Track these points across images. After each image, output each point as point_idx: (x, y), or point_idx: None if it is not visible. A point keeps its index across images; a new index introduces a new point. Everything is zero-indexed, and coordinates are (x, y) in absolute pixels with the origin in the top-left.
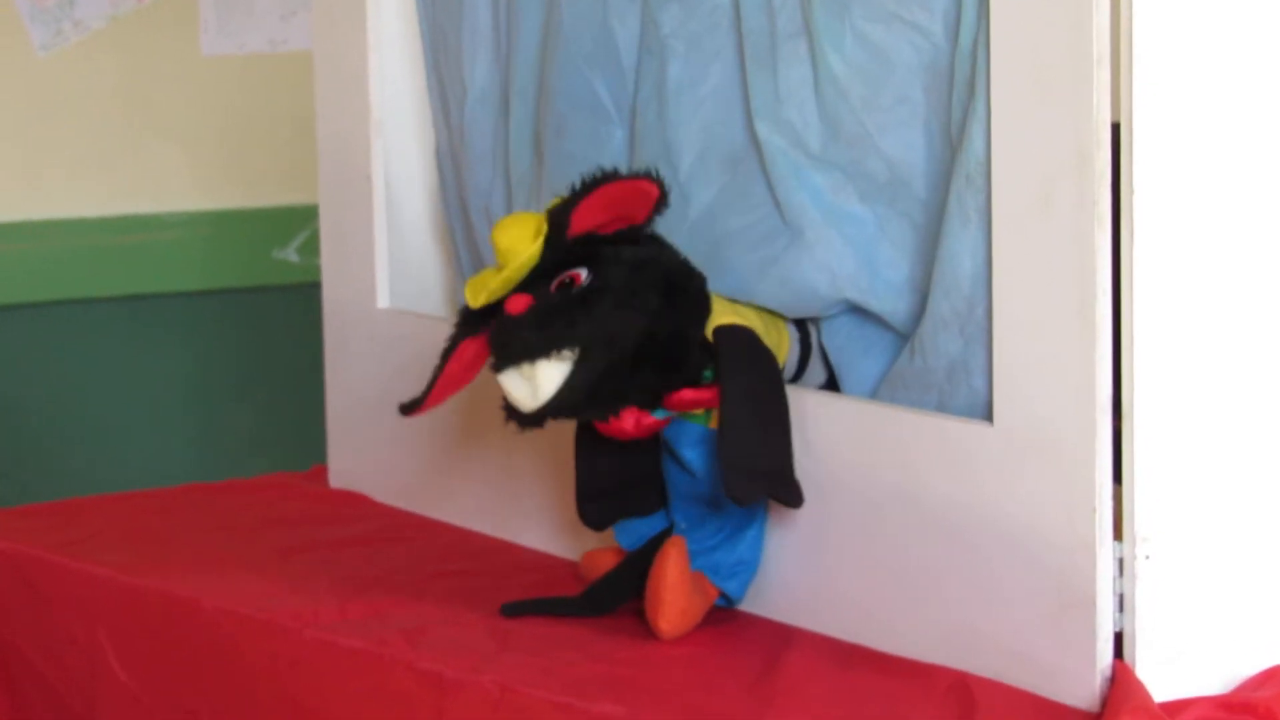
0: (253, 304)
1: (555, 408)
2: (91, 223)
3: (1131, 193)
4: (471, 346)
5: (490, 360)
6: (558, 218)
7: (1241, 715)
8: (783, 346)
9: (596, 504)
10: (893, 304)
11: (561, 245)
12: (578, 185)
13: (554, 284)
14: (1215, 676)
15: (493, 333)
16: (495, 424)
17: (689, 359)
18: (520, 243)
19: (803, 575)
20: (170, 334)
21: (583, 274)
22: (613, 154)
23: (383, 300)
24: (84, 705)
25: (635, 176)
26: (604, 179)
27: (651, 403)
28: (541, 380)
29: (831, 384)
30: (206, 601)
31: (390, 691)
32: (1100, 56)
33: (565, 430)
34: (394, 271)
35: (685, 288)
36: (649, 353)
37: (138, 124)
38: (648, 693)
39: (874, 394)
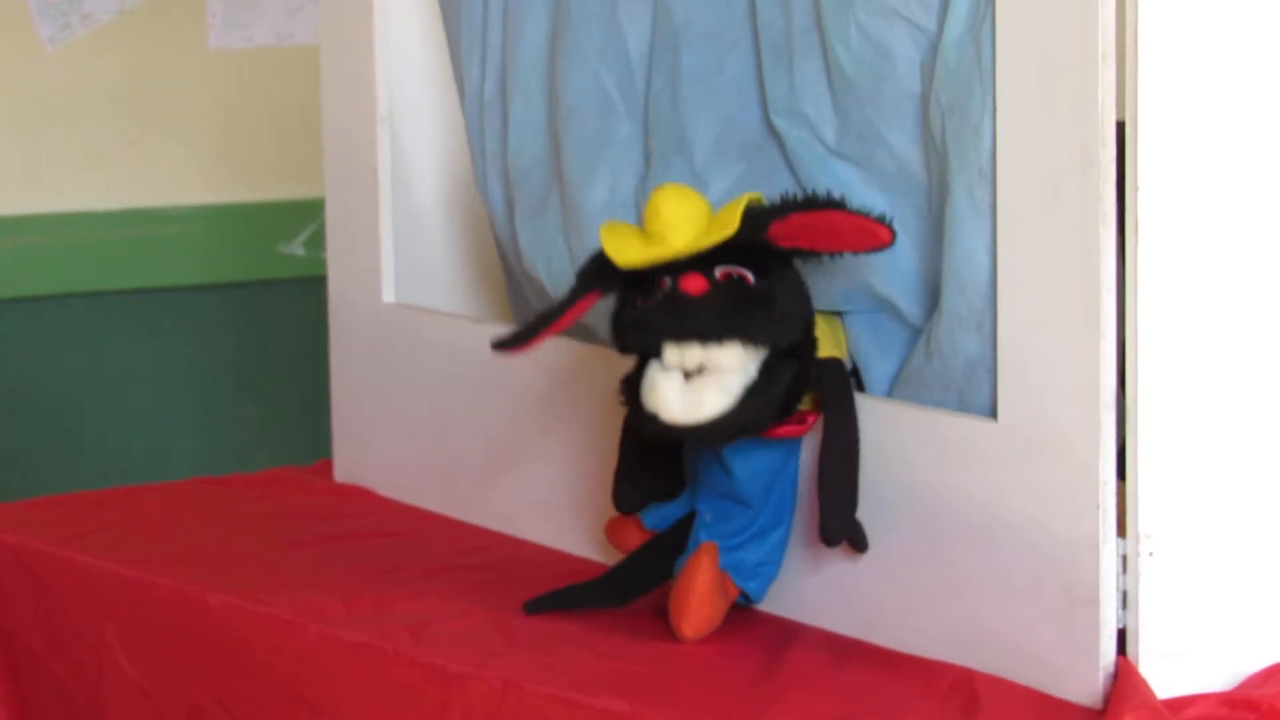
0: (259, 298)
1: (704, 432)
2: (98, 216)
3: (1136, 190)
4: (592, 300)
5: (633, 334)
6: (759, 220)
7: (1244, 712)
8: (843, 347)
9: (634, 489)
10: (906, 296)
11: (743, 240)
12: (799, 197)
13: (720, 272)
14: (1218, 673)
15: (653, 307)
16: (500, 419)
17: (802, 397)
18: (687, 222)
19: (807, 571)
20: (176, 328)
21: (751, 276)
22: (621, 145)
23: (388, 294)
24: (91, 699)
25: (867, 215)
26: (832, 204)
27: None
28: (706, 401)
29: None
30: (211, 596)
31: (394, 686)
32: (1106, 55)
33: (569, 426)
34: (400, 266)
35: (812, 326)
36: (787, 396)
37: (145, 118)
38: (652, 689)
39: (890, 392)
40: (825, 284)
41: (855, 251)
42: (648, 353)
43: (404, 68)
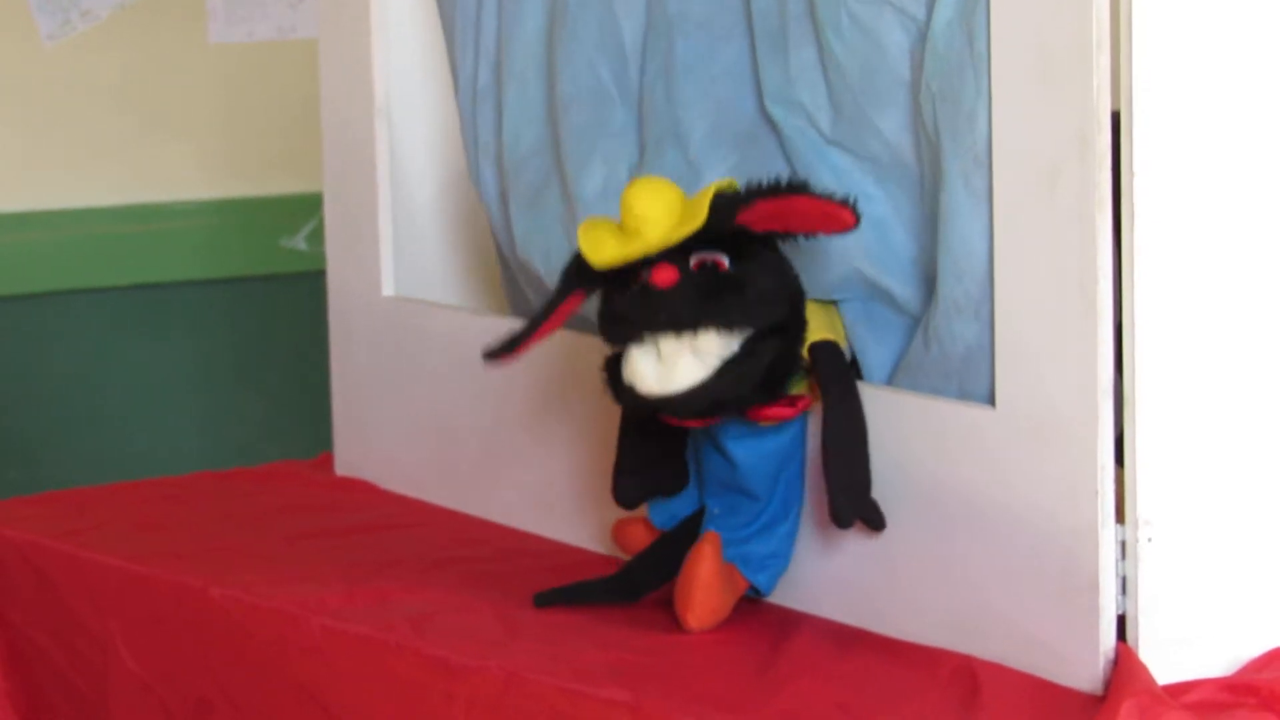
0: (261, 293)
1: (679, 402)
2: (100, 212)
3: (1132, 176)
4: (577, 300)
5: (613, 328)
6: (728, 207)
7: (1245, 697)
8: (840, 333)
9: (634, 481)
10: (902, 284)
11: (713, 229)
12: (765, 183)
13: (694, 261)
14: (1218, 659)
15: (623, 300)
16: (501, 411)
17: (792, 377)
18: (661, 216)
19: (808, 561)
20: (179, 323)
21: (725, 260)
22: (615, 136)
23: (388, 288)
24: (96, 693)
25: (831, 199)
26: (796, 188)
27: None
28: (680, 371)
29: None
30: (214, 589)
31: (397, 678)
32: (1100, 41)
33: (570, 417)
34: (399, 259)
35: (800, 310)
36: (768, 375)
37: (146, 114)
38: (654, 679)
39: (889, 381)
40: (819, 272)
41: (825, 233)
42: (626, 341)
43: (402, 61)
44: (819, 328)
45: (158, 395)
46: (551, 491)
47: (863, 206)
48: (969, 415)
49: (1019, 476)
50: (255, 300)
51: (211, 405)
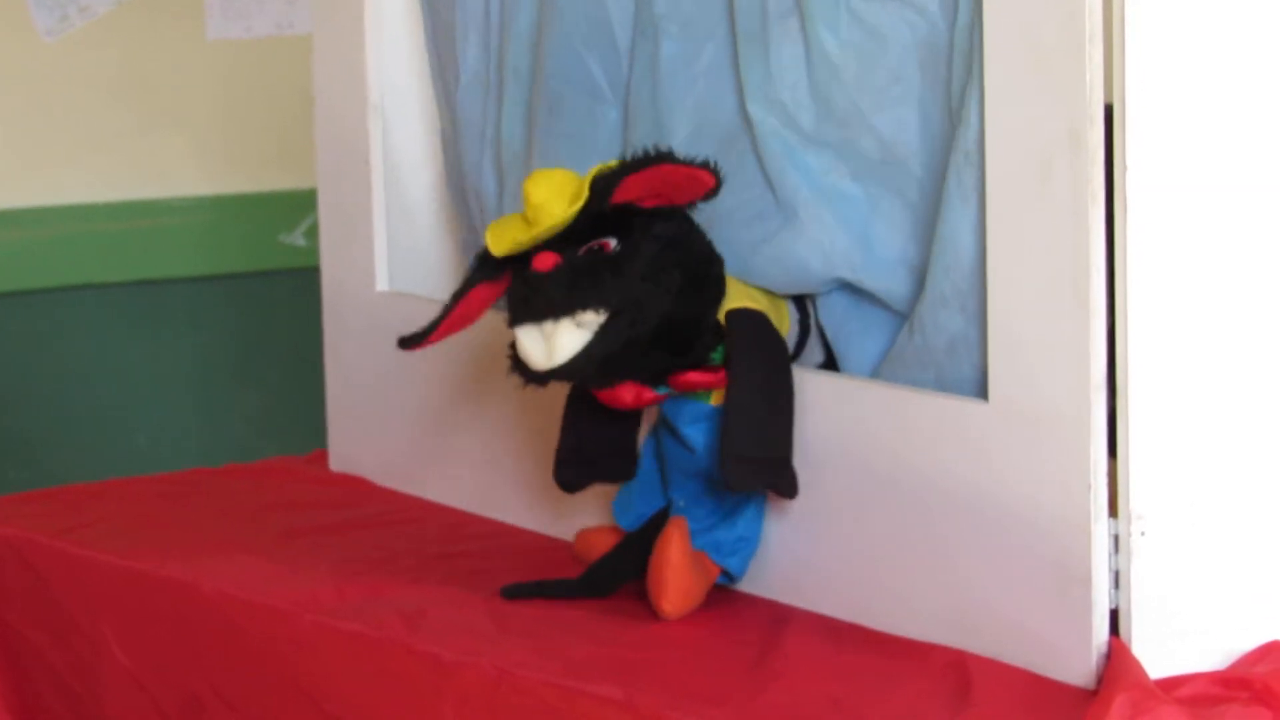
0: (259, 289)
1: (566, 372)
2: (97, 208)
3: (1125, 170)
4: (484, 291)
5: (508, 313)
6: (603, 186)
7: (1238, 691)
8: (783, 327)
9: (574, 467)
10: (887, 281)
11: (598, 211)
12: (629, 158)
13: (583, 248)
14: (1211, 653)
15: (514, 287)
16: (495, 408)
17: (700, 342)
18: (553, 201)
19: (799, 555)
20: (176, 319)
21: (612, 243)
22: (607, 133)
23: (382, 284)
24: (89, 690)
25: (692, 164)
26: (660, 158)
27: (654, 380)
28: (560, 343)
29: (830, 364)
30: (207, 585)
31: (389, 674)
32: (1093, 34)
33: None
34: (393, 255)
35: (707, 272)
36: (664, 333)
37: (144, 110)
38: (646, 674)
39: (875, 373)
40: (798, 274)
41: (693, 201)
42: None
43: (396, 57)
44: (743, 299)
45: (155, 391)
46: (544, 487)
47: (839, 208)
48: (962, 409)
49: (1012, 470)
50: (253, 296)
51: (209, 401)
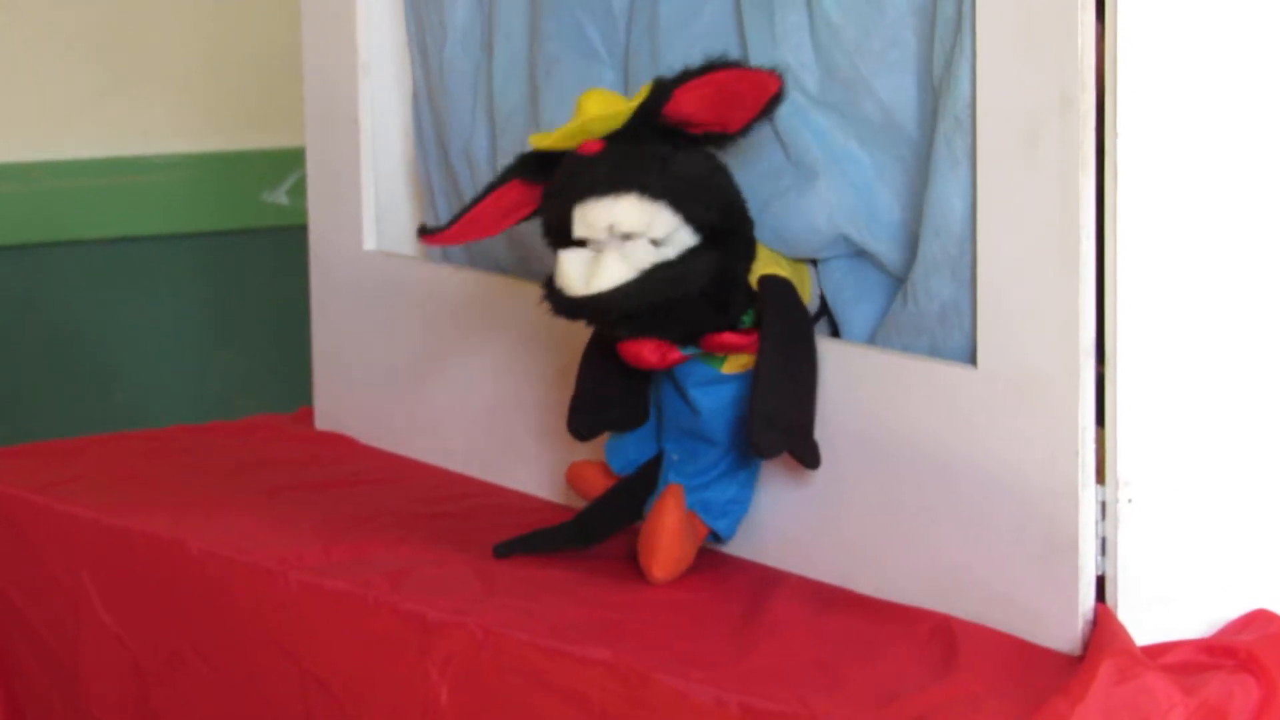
0: (242, 246)
1: (601, 304)
2: (79, 164)
3: (1115, 136)
4: (517, 190)
5: (546, 209)
6: (662, 88)
7: (1223, 659)
8: (805, 294)
9: (589, 415)
10: (887, 246)
11: (651, 116)
12: (694, 65)
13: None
14: (1197, 620)
15: (557, 174)
16: (481, 367)
17: (736, 299)
18: (602, 107)
19: (788, 519)
20: (158, 276)
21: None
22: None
23: (369, 243)
24: (67, 648)
25: (758, 69)
26: (724, 64)
27: (684, 339)
28: (604, 269)
29: (832, 332)
30: (191, 543)
31: (374, 633)
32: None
33: (552, 372)
34: (381, 214)
35: (743, 226)
36: (710, 287)
37: (125, 65)
38: (632, 636)
39: (871, 340)
40: (803, 233)
41: (757, 116)
42: (560, 227)
43: (384, 15)
44: (773, 265)
45: (136, 349)
46: (531, 446)
47: (846, 169)
48: (950, 375)
49: (1000, 436)
50: (235, 254)
51: (190, 359)
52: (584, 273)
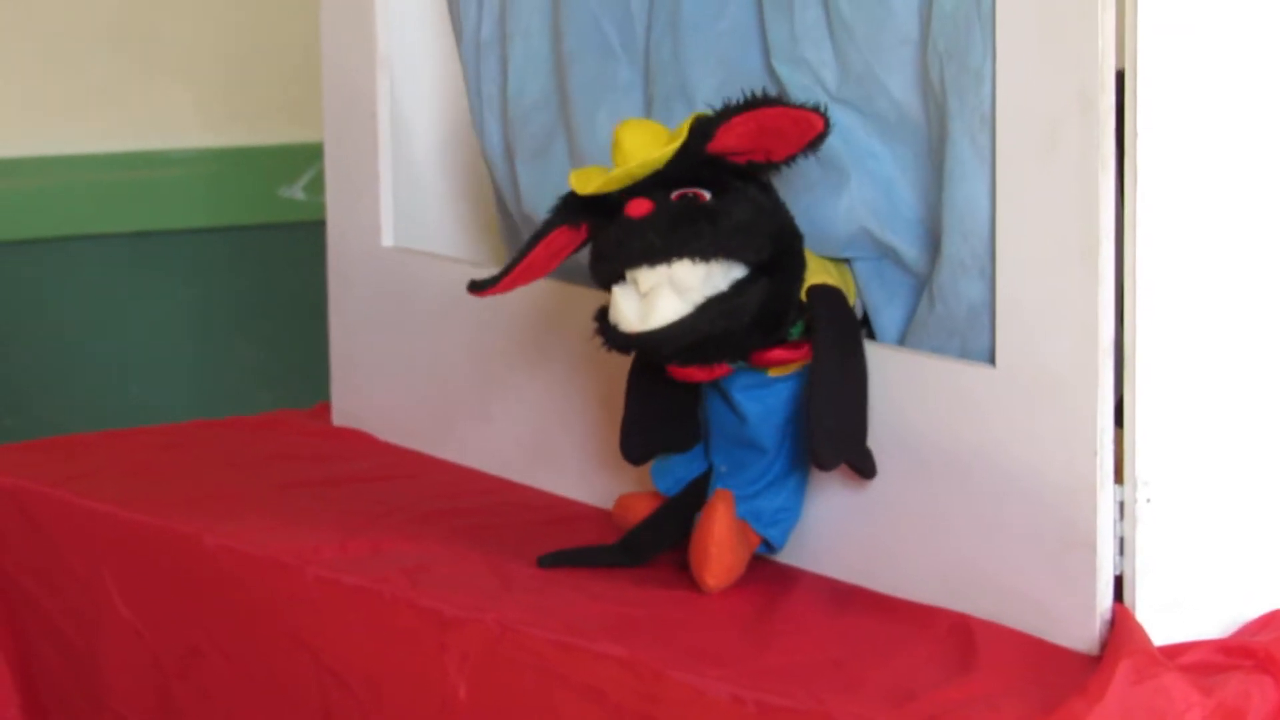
0: (259, 241)
1: (657, 339)
2: (96, 159)
3: (1135, 136)
4: (564, 236)
5: (596, 266)
6: (704, 127)
7: (1241, 659)
8: (852, 296)
9: (640, 438)
10: (908, 243)
11: (694, 157)
12: (735, 101)
13: (675, 194)
14: (1215, 620)
15: (605, 236)
16: (498, 363)
17: (788, 318)
18: (644, 146)
19: (805, 517)
20: (175, 271)
21: (707, 195)
22: (619, 92)
23: (387, 239)
24: (86, 642)
25: (801, 106)
26: (766, 101)
27: (735, 358)
28: (658, 307)
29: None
30: (209, 538)
31: (391, 629)
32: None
33: (566, 370)
34: (399, 210)
35: (793, 245)
36: (760, 317)
37: (144, 59)
38: (647, 633)
39: (900, 342)
40: (828, 231)
41: (802, 151)
42: (611, 282)
43: (404, 10)
44: (821, 273)
45: (154, 344)
46: (547, 443)
47: (869, 165)
48: (968, 374)
49: (1018, 436)
50: (253, 249)
51: (208, 354)
52: (639, 309)
